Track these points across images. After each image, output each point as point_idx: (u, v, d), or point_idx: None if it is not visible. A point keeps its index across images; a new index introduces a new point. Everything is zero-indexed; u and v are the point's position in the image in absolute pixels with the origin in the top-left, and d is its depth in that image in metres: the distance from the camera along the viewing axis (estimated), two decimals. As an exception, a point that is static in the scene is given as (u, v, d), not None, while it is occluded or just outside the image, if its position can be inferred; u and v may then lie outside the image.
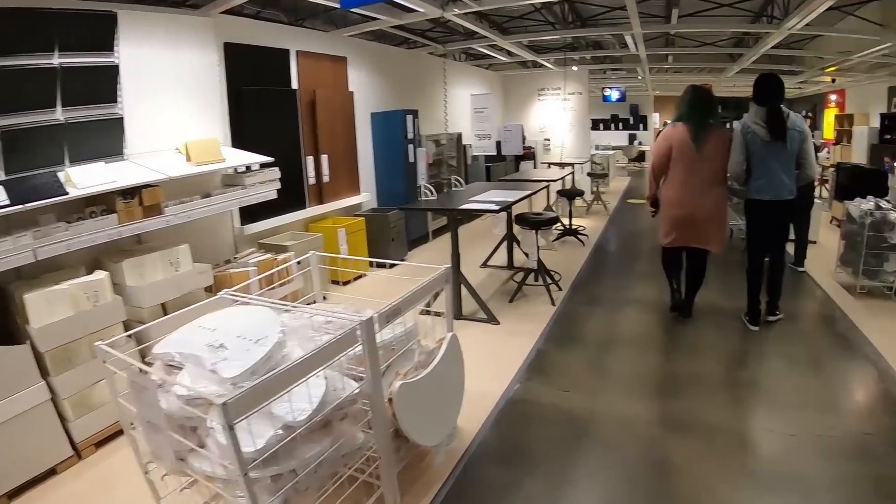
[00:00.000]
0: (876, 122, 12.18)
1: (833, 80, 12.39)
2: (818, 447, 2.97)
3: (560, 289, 5.69)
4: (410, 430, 2.36)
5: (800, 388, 3.69)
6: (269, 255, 4.69)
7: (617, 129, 21.58)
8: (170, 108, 4.42)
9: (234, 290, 2.74)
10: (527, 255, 5.41)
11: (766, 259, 4.48)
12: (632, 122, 21.51)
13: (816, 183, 8.20)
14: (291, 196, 5.70)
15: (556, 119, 11.65)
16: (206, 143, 4.35)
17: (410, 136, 7.22)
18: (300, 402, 1.91)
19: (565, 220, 7.99)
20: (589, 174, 10.92)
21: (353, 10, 5.73)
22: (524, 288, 5.57)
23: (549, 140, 11.73)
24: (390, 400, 2.27)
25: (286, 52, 5.86)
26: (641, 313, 5.15)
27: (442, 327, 2.86)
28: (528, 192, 5.74)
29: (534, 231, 5.32)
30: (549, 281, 5.50)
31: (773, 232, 4.35)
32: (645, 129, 20.99)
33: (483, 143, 8.81)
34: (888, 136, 11.40)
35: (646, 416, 3.36)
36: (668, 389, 3.71)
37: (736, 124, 4.24)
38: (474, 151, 9.20)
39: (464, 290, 4.95)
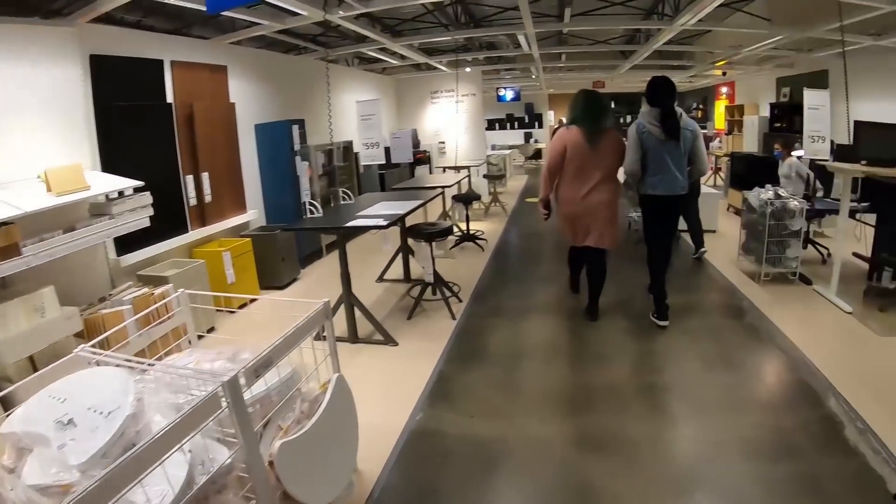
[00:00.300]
0: (766, 112, 13.24)
1: (724, 73, 13.34)
2: (743, 451, 3.01)
3: (460, 300, 5.69)
4: (300, 491, 2.19)
5: (717, 389, 3.76)
6: (145, 290, 4.34)
7: (513, 128, 22.59)
8: (27, 130, 4.09)
9: (102, 338, 2.47)
10: (423, 267, 5.28)
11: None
12: (527, 120, 22.45)
13: (710, 171, 8.56)
14: (171, 220, 5.48)
15: (450, 121, 11.88)
16: (67, 169, 4.08)
17: (297, 147, 6.94)
18: (160, 485, 1.70)
19: (462, 225, 8.23)
20: (485, 176, 11.33)
21: (226, 13, 5.47)
22: (423, 302, 5.52)
23: (443, 143, 11.84)
24: (271, 462, 2.09)
25: (160, 63, 5.54)
26: (546, 320, 5.14)
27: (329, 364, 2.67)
28: (420, 202, 5.58)
29: (428, 243, 5.26)
30: (447, 294, 5.50)
31: (666, 224, 4.74)
32: (540, 126, 22.03)
33: (371, 152, 8.65)
34: (777, 125, 12.25)
35: (561, 437, 3.29)
36: (582, 404, 3.66)
37: (632, 126, 4.52)
38: (363, 161, 9.05)
39: (359, 311, 4.81)
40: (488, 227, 9.17)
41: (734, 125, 15.08)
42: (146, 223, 4.43)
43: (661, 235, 4.74)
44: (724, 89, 16.11)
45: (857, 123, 5.13)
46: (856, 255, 5.79)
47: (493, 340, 4.79)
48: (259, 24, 6.01)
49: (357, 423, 2.76)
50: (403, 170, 11.05)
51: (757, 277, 5.73)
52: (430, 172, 11.46)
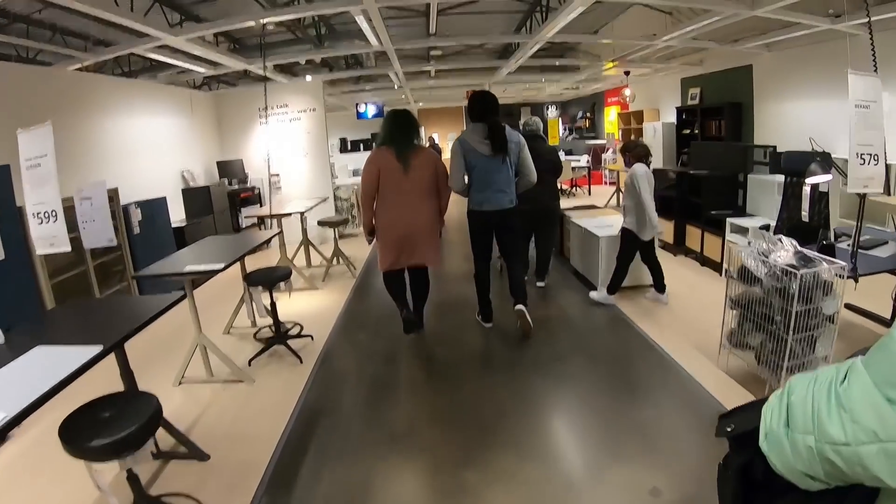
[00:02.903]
0: (670, 117, 11.44)
1: (627, 73, 11.14)
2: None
3: None
4: None
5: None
6: None
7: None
8: None
9: None
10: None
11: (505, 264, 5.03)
12: None
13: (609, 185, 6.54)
14: None
15: (285, 146, 8.82)
16: None
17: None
18: None
19: (265, 321, 5.06)
20: (322, 222, 7.26)
21: None
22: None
23: (277, 176, 8.79)
24: None
25: None
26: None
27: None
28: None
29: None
30: None
31: (500, 239, 4.71)
32: None
33: (49, 231, 3.18)
34: (686, 131, 10.45)
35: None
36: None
37: (454, 143, 4.48)
38: (38, 248, 3.99)
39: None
40: (322, 304, 5.98)
41: (629, 133, 13.35)
42: None
43: (488, 254, 4.73)
44: (627, 91, 14.23)
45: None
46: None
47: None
48: None
49: None
50: (223, 215, 8.04)
51: (762, 388, 3.47)
52: (261, 225, 8.40)
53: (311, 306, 5.86)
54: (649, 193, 4.82)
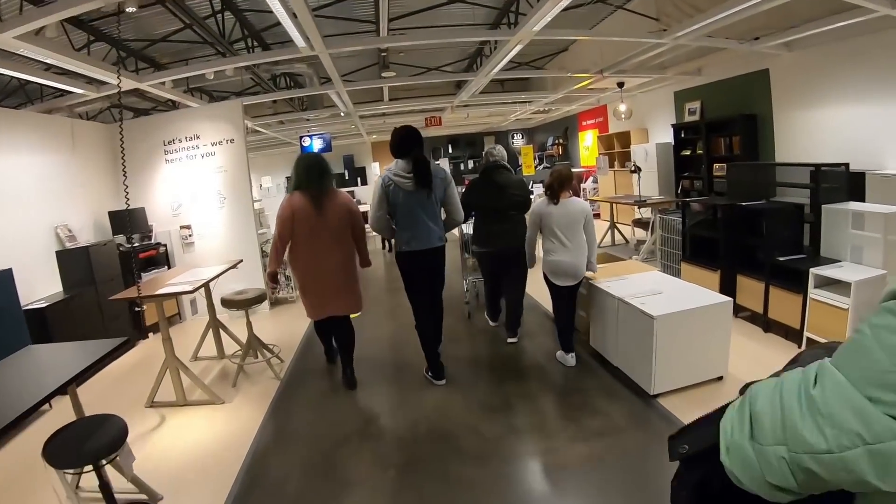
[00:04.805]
0: (665, 137, 9.92)
1: (621, 86, 9.53)
2: None
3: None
4: None
5: None
6: None
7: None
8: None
9: None
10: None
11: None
12: (347, 177, 17.59)
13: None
14: None
15: (196, 188, 6.93)
16: None
17: None
18: None
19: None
20: (227, 302, 4.91)
21: None
22: None
23: (189, 228, 6.89)
24: None
25: None
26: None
27: None
28: None
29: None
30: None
31: (433, 280, 4.40)
32: (364, 183, 17.07)
33: None
34: (687, 153, 8.96)
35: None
36: None
37: (377, 180, 4.26)
38: None
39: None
40: (221, 438, 3.85)
41: (613, 159, 11.88)
42: None
43: (426, 296, 4.41)
44: (622, 105, 12.73)
45: None
46: None
47: None
48: None
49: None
50: (113, 284, 6.04)
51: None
52: (135, 308, 6.30)
53: (200, 446, 3.76)
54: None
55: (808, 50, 6.66)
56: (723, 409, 0.90)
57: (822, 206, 4.72)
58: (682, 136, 9.17)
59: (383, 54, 8.57)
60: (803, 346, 4.48)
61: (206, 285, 4.72)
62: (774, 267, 4.71)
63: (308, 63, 7.81)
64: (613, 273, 4.70)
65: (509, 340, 5.15)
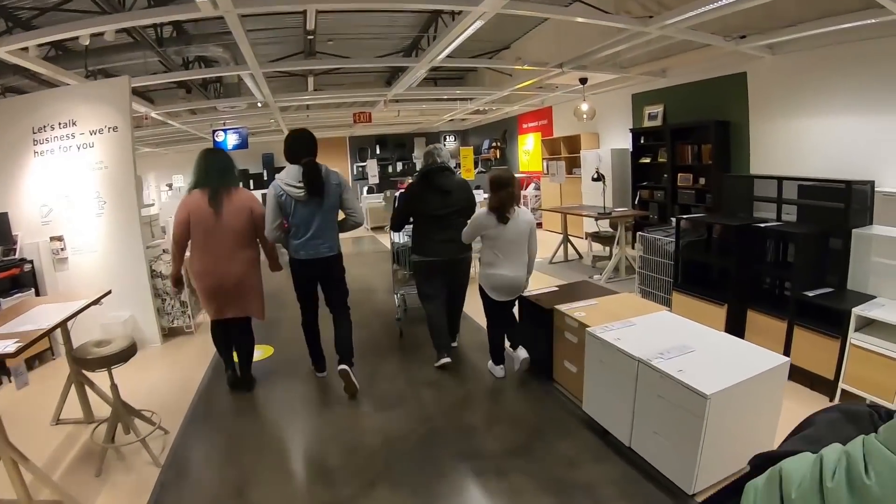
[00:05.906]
0: (622, 142, 9.17)
1: (584, 82, 8.54)
2: None
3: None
4: None
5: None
6: None
7: (246, 188, 15.55)
8: None
9: None
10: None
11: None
12: (266, 177, 15.95)
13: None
14: None
15: (70, 189, 5.47)
16: None
17: None
18: None
19: None
20: (80, 361, 3.39)
21: None
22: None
23: (61, 240, 5.45)
24: None
25: None
26: None
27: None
28: None
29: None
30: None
31: (323, 289, 4.32)
32: None
33: None
34: (646, 160, 8.22)
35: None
36: None
37: (270, 188, 4.04)
38: None
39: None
40: None
41: (561, 165, 11.12)
42: None
43: (312, 304, 4.37)
44: (584, 105, 11.95)
45: None
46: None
47: None
48: None
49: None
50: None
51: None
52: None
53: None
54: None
55: (791, 54, 6.05)
56: (737, 489, 0.83)
57: (853, 230, 3.99)
58: (642, 142, 8.43)
59: (310, 38, 7.45)
60: (836, 400, 3.72)
61: (62, 325, 3.43)
62: (802, 304, 3.90)
63: (223, 46, 6.65)
64: (609, 313, 3.71)
65: (443, 361, 4.54)
